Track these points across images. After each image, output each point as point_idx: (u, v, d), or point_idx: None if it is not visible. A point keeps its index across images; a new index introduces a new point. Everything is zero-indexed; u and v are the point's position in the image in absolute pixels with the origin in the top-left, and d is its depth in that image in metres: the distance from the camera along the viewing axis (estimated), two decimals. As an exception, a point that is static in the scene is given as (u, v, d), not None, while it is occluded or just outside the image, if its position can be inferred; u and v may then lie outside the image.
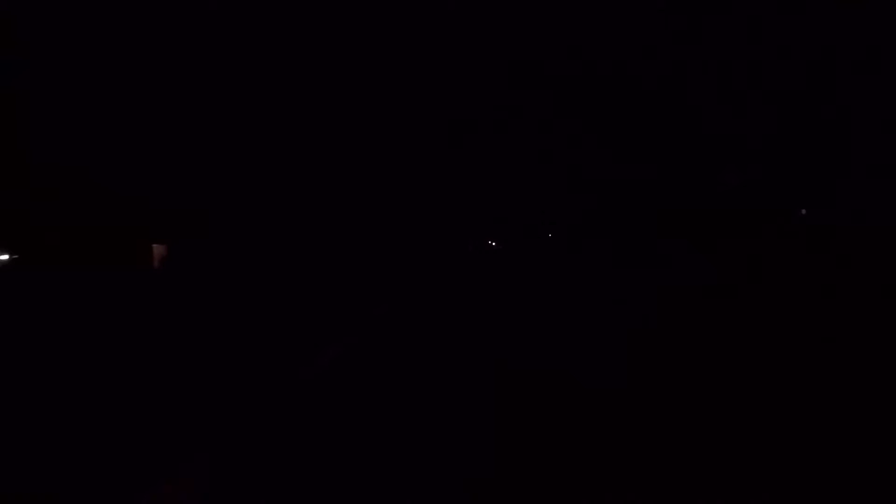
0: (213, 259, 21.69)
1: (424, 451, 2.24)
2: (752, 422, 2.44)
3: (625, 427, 2.44)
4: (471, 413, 2.72)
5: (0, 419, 2.94)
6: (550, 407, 2.75)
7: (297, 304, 8.03)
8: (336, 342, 4.77)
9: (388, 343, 4.76)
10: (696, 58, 18.71)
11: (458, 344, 4.63)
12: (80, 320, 6.76)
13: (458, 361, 3.93)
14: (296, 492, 1.92)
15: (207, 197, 23.74)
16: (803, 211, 16.53)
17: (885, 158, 13.70)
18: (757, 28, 16.14)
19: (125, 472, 2.16)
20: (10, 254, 14.73)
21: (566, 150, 32.08)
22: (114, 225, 18.57)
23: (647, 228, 23.42)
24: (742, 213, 18.61)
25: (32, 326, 6.32)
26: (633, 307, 6.48)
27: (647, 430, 2.39)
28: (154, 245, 20.07)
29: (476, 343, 4.64)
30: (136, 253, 19.03)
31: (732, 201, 19.10)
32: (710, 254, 15.91)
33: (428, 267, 20.54)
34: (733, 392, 2.91)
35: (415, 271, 17.75)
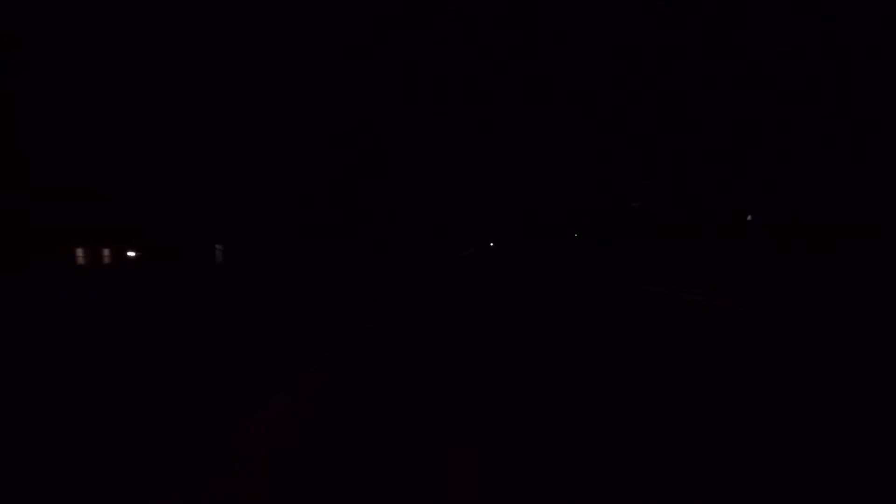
0: (254, 258, 25.05)
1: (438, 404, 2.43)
2: (752, 421, 2.39)
3: (625, 426, 2.40)
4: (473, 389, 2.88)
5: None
6: (548, 404, 2.70)
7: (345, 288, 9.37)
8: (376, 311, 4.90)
9: (412, 316, 5.50)
10: (697, 57, 18.96)
11: (466, 324, 5.01)
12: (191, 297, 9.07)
13: (466, 336, 4.08)
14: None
15: (248, 203, 25.95)
16: (799, 212, 16.71)
17: (886, 158, 13.91)
18: (757, 28, 16.39)
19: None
20: (136, 251, 22.41)
21: (565, 151, 32.30)
22: (190, 229, 23.86)
23: (646, 230, 23.60)
24: (740, 212, 18.79)
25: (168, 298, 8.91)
26: (632, 308, 6.48)
27: (646, 429, 2.36)
28: (216, 246, 24.66)
29: (476, 330, 4.78)
30: (206, 251, 23.83)
31: (728, 203, 19.29)
32: (710, 254, 16.04)
33: (440, 264, 21.10)
34: (732, 390, 2.86)
35: (430, 267, 18.04)
